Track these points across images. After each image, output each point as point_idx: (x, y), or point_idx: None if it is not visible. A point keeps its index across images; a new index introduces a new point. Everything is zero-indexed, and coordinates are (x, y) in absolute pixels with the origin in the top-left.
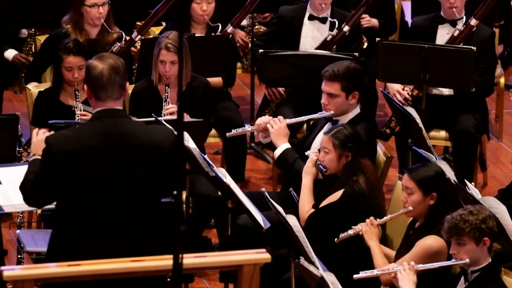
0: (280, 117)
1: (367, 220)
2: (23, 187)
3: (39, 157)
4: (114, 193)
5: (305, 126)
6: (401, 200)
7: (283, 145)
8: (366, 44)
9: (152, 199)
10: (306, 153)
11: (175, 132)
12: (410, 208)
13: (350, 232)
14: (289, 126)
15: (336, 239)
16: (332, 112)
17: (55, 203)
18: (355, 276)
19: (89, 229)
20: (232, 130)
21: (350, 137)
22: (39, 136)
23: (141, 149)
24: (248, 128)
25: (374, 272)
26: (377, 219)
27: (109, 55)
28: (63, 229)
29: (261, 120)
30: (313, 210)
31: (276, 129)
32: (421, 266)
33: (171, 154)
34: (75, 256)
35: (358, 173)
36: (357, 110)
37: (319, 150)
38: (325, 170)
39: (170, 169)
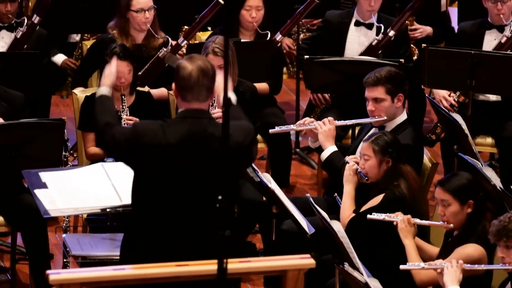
0: (330, 119)
1: (405, 217)
2: (103, 131)
3: (107, 91)
4: (193, 193)
5: (350, 132)
6: (438, 213)
7: (330, 148)
8: (417, 54)
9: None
10: (346, 159)
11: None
12: (451, 225)
13: (385, 217)
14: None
15: (368, 215)
16: (385, 117)
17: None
18: (401, 266)
19: (165, 230)
20: (276, 127)
21: (390, 143)
22: (112, 69)
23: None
24: (292, 126)
25: (421, 265)
26: (415, 219)
27: (199, 56)
28: (138, 231)
29: (306, 119)
30: (353, 214)
31: (325, 130)
32: (469, 266)
33: (250, 150)
34: (149, 258)
35: (399, 178)
36: (403, 116)
37: (359, 157)
38: (366, 178)
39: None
